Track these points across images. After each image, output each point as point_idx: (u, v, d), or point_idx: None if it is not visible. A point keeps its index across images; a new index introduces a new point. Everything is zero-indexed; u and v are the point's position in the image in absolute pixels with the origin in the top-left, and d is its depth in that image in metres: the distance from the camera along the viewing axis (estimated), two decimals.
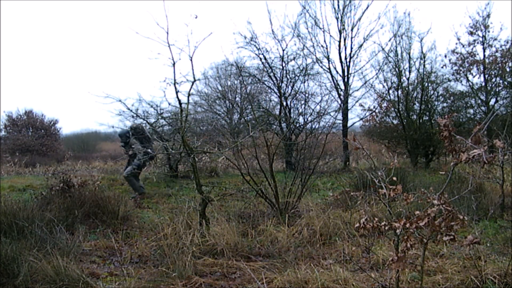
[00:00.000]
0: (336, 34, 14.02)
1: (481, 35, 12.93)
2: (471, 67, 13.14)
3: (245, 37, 13.50)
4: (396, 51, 13.32)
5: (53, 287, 3.40)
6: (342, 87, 14.09)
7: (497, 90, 13.12)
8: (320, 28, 13.89)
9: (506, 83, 12.98)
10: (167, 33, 4.57)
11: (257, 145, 6.85)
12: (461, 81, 13.46)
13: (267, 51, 13.60)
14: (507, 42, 12.79)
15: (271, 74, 13.82)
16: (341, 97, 13.64)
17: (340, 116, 13.65)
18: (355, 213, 5.32)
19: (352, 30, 13.83)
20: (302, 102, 13.52)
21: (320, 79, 14.15)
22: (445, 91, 13.43)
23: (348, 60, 14.01)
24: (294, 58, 13.80)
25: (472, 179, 5.83)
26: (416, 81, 13.29)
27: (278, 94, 13.89)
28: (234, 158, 7.80)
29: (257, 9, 40.45)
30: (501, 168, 5.63)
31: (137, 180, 8.62)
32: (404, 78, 13.32)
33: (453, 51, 13.41)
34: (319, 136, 6.93)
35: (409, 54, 13.28)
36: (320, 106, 11.77)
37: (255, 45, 13.56)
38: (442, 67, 13.63)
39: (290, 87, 13.89)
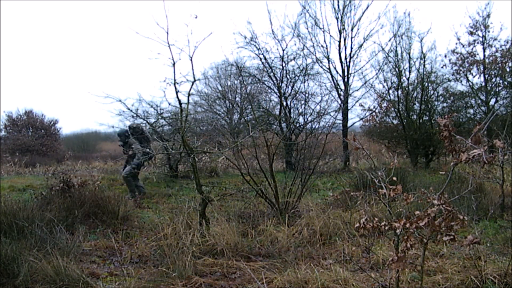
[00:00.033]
0: (336, 34, 14.05)
1: (481, 35, 12.94)
2: (471, 67, 13.14)
3: (245, 37, 13.52)
4: (396, 51, 13.33)
5: (53, 287, 3.40)
6: (342, 87, 14.10)
7: (497, 90, 13.12)
8: (320, 28, 13.91)
9: (506, 83, 12.99)
10: (167, 33, 4.58)
11: (257, 145, 6.85)
12: (461, 81, 13.48)
13: (267, 51, 13.62)
14: (507, 42, 12.81)
15: (271, 74, 13.83)
16: (341, 97, 13.65)
17: (340, 116, 13.67)
18: (355, 213, 5.32)
19: (352, 30, 13.85)
20: (302, 102, 13.53)
21: (320, 79, 14.18)
22: (445, 91, 13.44)
23: (348, 60, 14.02)
24: (294, 58, 13.82)
25: (472, 179, 5.83)
26: (416, 81, 13.30)
27: (278, 94, 13.90)
28: (234, 158, 7.80)
29: (257, 9, 40.49)
30: (501, 168, 5.63)
31: (137, 180, 8.64)
32: (404, 78, 13.33)
33: (453, 51, 13.41)
34: (319, 136, 6.93)
35: (409, 54, 13.29)
36: (320, 106, 11.79)
37: (255, 45, 13.59)
38: (442, 67, 13.65)
39: (290, 87, 13.91)
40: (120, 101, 10.00)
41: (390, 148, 14.57)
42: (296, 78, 13.75)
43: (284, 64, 13.73)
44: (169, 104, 15.21)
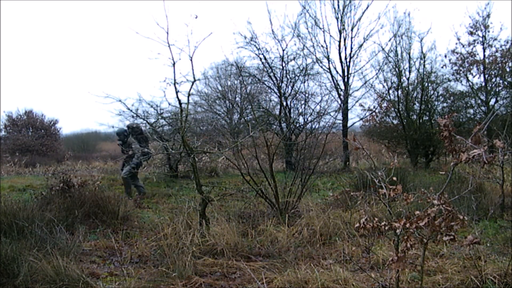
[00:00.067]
0: (336, 34, 14.05)
1: (481, 35, 12.94)
2: (471, 67, 13.15)
3: (245, 37, 13.52)
4: (396, 51, 13.33)
5: (53, 287, 3.40)
6: (342, 87, 14.10)
7: (497, 90, 13.12)
8: (320, 28, 13.91)
9: (506, 83, 12.99)
10: (167, 33, 4.58)
11: (257, 145, 6.86)
12: (461, 81, 13.48)
13: (267, 51, 13.63)
14: (507, 42, 12.81)
15: (271, 74, 13.83)
16: (341, 97, 13.64)
17: (340, 116, 13.67)
18: (355, 213, 5.32)
19: (352, 30, 13.85)
20: (302, 102, 13.54)
21: (320, 79, 14.18)
22: (445, 91, 13.44)
23: (348, 60, 14.02)
24: (294, 58, 13.82)
25: (472, 179, 5.83)
26: (416, 81, 13.30)
27: (278, 94, 13.90)
28: (234, 158, 7.80)
29: (257, 9, 40.51)
30: (501, 168, 5.63)
31: (137, 180, 8.65)
32: (404, 78, 13.33)
33: (453, 51, 13.41)
34: (319, 136, 6.94)
35: (409, 54, 13.30)
36: (320, 106, 11.79)
37: (255, 45, 13.59)
38: (442, 67, 13.65)
39: (290, 87, 13.90)
40: (120, 101, 10.02)
41: (390, 148, 14.57)
42: (296, 78, 13.76)
43: (284, 64, 13.74)
44: (169, 104, 15.25)
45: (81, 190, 6.17)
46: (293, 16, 25.83)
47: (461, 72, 13.29)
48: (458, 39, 13.30)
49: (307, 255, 4.22)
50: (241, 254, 4.28)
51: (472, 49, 13.11)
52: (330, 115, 10.69)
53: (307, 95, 13.61)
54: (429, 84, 13.17)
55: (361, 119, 14.52)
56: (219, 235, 4.52)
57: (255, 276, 3.54)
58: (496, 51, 12.92)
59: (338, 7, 13.73)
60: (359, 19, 13.71)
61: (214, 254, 4.28)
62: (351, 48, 13.96)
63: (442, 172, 4.25)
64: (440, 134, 2.71)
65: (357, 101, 14.33)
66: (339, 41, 13.95)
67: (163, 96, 21.96)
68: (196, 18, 4.55)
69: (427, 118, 13.30)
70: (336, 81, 14.11)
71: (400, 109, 13.20)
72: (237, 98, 15.67)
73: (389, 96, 13.58)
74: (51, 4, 78.09)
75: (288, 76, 13.83)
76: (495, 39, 12.89)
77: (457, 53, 13.34)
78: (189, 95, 5.09)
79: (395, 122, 13.90)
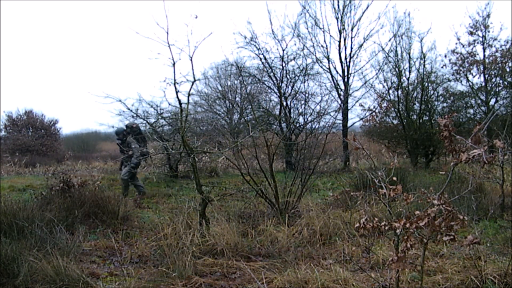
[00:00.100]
0: (336, 34, 14.05)
1: (481, 35, 12.94)
2: (471, 67, 13.15)
3: (245, 37, 13.52)
4: (396, 51, 13.33)
5: (53, 287, 3.40)
6: (342, 87, 14.10)
7: (497, 90, 13.12)
8: (320, 28, 13.91)
9: (506, 83, 12.99)
10: (167, 33, 4.58)
11: (257, 145, 6.86)
12: (461, 81, 13.48)
13: (267, 51, 13.62)
14: (507, 42, 12.81)
15: (271, 74, 13.83)
16: (341, 97, 13.64)
17: (340, 116, 13.67)
18: (355, 213, 5.32)
19: (352, 30, 13.84)
20: (302, 102, 13.53)
21: (320, 79, 14.18)
22: (445, 91, 13.44)
23: (348, 60, 14.02)
24: (294, 58, 13.81)
25: (472, 179, 5.83)
26: (416, 81, 13.30)
27: (278, 94, 13.90)
28: (234, 158, 7.80)
29: (257, 9, 40.55)
30: (501, 168, 5.63)
31: (136, 180, 8.65)
32: (404, 78, 13.33)
33: (453, 51, 13.41)
34: (319, 136, 6.94)
35: (409, 54, 13.30)
36: (320, 106, 11.79)
37: (255, 45, 13.59)
38: (442, 67, 13.65)
39: (290, 87, 13.90)
40: (120, 101, 10.02)
41: (390, 148, 14.57)
42: (296, 78, 13.75)
43: (284, 64, 13.73)
44: (169, 104, 15.26)
45: (81, 190, 6.17)
46: (293, 16, 25.88)
47: (461, 72, 13.30)
48: (458, 39, 13.31)
49: (307, 255, 4.22)
50: (241, 254, 4.28)
51: (472, 49, 13.12)
52: (330, 115, 10.70)
53: (307, 95, 13.63)
54: (429, 84, 13.17)
55: (361, 119, 14.53)
56: (219, 235, 4.52)
57: (255, 276, 3.54)
58: (496, 51, 12.92)
59: (338, 7, 13.74)
60: (359, 19, 13.73)
61: (214, 254, 4.28)
62: (351, 48, 13.98)
63: (442, 172, 4.25)
64: (440, 134, 2.71)
65: (357, 101, 14.36)
66: (339, 41, 13.96)
67: (163, 96, 22.01)
68: (196, 18, 4.55)
69: (427, 118, 13.30)
70: (336, 81, 14.11)
71: (400, 109, 13.20)
72: (237, 98, 15.68)
73: (389, 96, 13.58)
74: (51, 4, 78.09)
75: (288, 76, 13.83)
76: (495, 39, 12.90)
77: (457, 53, 13.34)
78: (189, 95, 5.09)
79: (395, 122, 13.90)
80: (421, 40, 13.09)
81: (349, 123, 14.42)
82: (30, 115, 26.30)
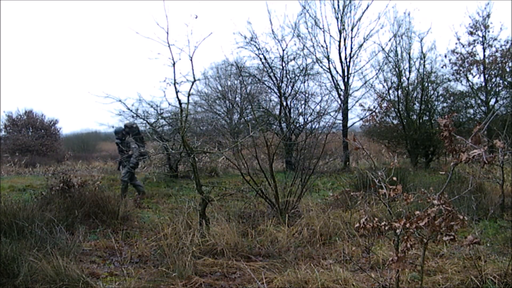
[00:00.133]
0: (336, 34, 14.06)
1: (481, 35, 12.94)
2: (471, 67, 13.15)
3: (245, 37, 13.52)
4: (396, 51, 13.34)
5: (53, 287, 3.40)
6: (342, 87, 14.10)
7: (497, 90, 13.12)
8: (320, 28, 13.91)
9: (506, 83, 12.99)
10: (167, 33, 4.58)
11: (257, 145, 6.86)
12: (461, 81, 13.48)
13: (267, 51, 13.63)
14: (507, 42, 12.81)
15: (271, 74, 13.83)
16: (341, 97, 13.65)
17: (340, 116, 13.67)
18: (355, 213, 5.32)
19: (352, 30, 13.84)
20: (302, 102, 13.54)
21: (320, 79, 14.18)
22: (445, 91, 13.44)
23: (348, 60, 14.02)
24: (294, 58, 13.82)
25: (472, 179, 5.83)
26: (416, 81, 13.30)
27: (278, 94, 13.90)
28: (234, 158, 7.80)
29: (257, 9, 40.54)
30: (501, 168, 5.63)
31: (135, 179, 8.65)
32: (404, 78, 13.33)
33: (453, 51, 13.41)
34: (319, 136, 6.94)
35: (409, 54, 13.30)
36: (320, 106, 11.80)
37: (255, 45, 13.59)
38: (442, 67, 13.65)
39: (290, 87, 13.91)
40: (120, 101, 10.03)
41: (390, 148, 14.57)
42: (296, 78, 13.76)
43: (284, 64, 13.74)
44: (169, 104, 15.27)
45: (81, 190, 6.17)
46: (293, 16, 25.88)
47: (461, 72, 13.29)
48: (458, 39, 13.31)
49: (307, 255, 4.22)
50: (241, 254, 4.28)
51: (472, 49, 13.12)
52: (330, 115, 10.70)
53: (307, 95, 13.63)
54: (429, 84, 13.17)
55: (361, 119, 14.53)
56: (219, 235, 4.52)
57: (255, 276, 3.54)
58: (496, 51, 12.92)
59: (338, 7, 13.75)
60: (359, 19, 13.73)
61: (214, 254, 4.28)
62: (351, 48, 13.98)
63: (442, 172, 4.25)
64: (440, 134, 2.71)
65: (357, 101, 14.37)
66: (339, 41, 13.96)
67: (163, 96, 22.04)
68: (196, 18, 4.55)
69: (427, 118, 13.30)
70: (336, 81, 14.11)
71: (400, 109, 13.20)
72: (237, 98, 15.68)
73: (389, 96, 13.59)
74: (51, 4, 78.10)
75: (288, 76, 13.83)
76: (495, 39, 12.90)
77: (457, 53, 13.34)
78: (189, 95, 5.09)
79: (395, 122, 13.90)
80: (421, 40, 13.11)
81: (349, 123, 14.43)
82: (30, 115, 26.30)
